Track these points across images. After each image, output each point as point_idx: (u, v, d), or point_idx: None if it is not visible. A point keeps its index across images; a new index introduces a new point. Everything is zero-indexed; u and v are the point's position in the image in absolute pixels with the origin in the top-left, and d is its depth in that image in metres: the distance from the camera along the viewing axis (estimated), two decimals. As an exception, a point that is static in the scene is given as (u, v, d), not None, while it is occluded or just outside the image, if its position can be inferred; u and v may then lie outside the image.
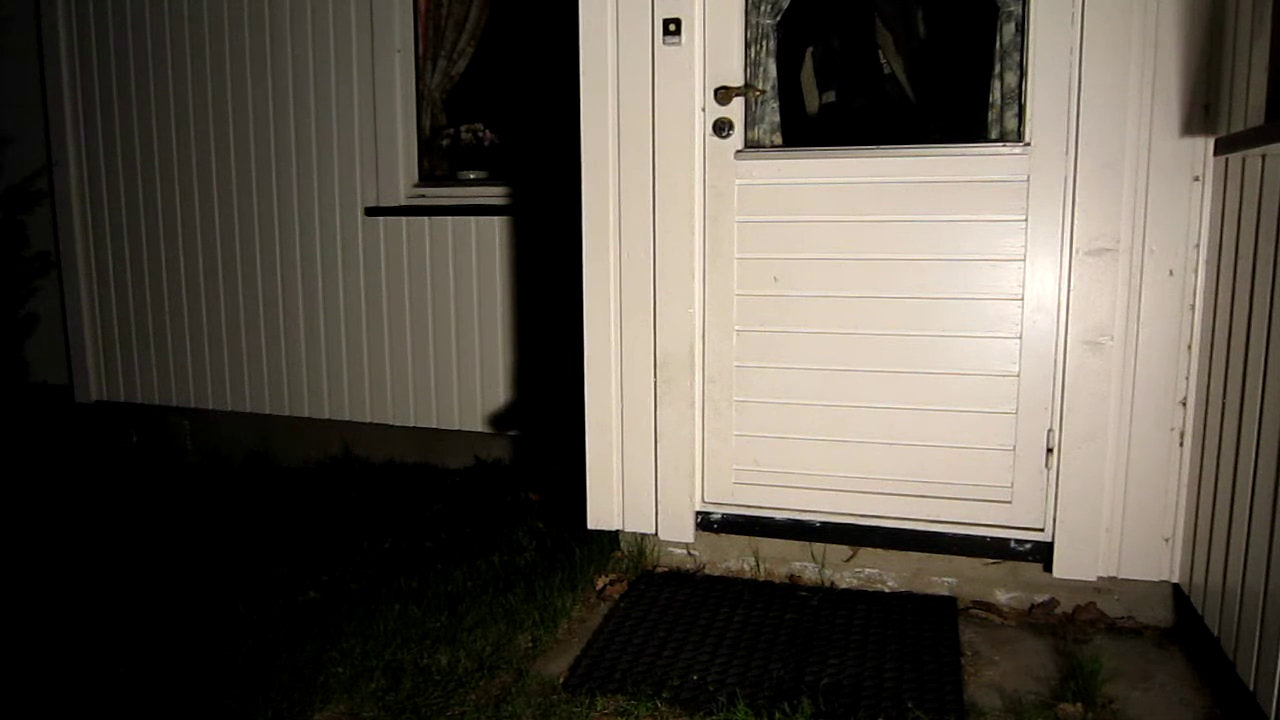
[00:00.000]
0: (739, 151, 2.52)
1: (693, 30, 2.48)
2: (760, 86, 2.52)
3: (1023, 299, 2.36)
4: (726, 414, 2.61)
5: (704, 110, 2.53)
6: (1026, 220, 2.33)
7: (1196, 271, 2.22)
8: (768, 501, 2.60)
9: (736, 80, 2.50)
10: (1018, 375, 2.38)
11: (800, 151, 2.51)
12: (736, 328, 2.58)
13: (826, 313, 2.51)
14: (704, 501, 2.66)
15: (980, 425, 2.43)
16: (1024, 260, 2.35)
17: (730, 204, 2.54)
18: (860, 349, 2.49)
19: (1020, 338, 2.37)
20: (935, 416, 2.45)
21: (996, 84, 2.37)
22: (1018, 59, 2.33)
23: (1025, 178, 2.32)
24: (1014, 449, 2.40)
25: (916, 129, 3.02)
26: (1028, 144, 2.32)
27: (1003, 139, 2.37)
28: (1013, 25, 2.33)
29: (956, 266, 2.40)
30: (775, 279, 2.53)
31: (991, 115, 2.39)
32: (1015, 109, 2.35)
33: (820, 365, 2.52)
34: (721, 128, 2.51)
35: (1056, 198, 2.30)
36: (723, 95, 2.49)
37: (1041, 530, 2.40)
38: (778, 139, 2.57)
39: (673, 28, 2.47)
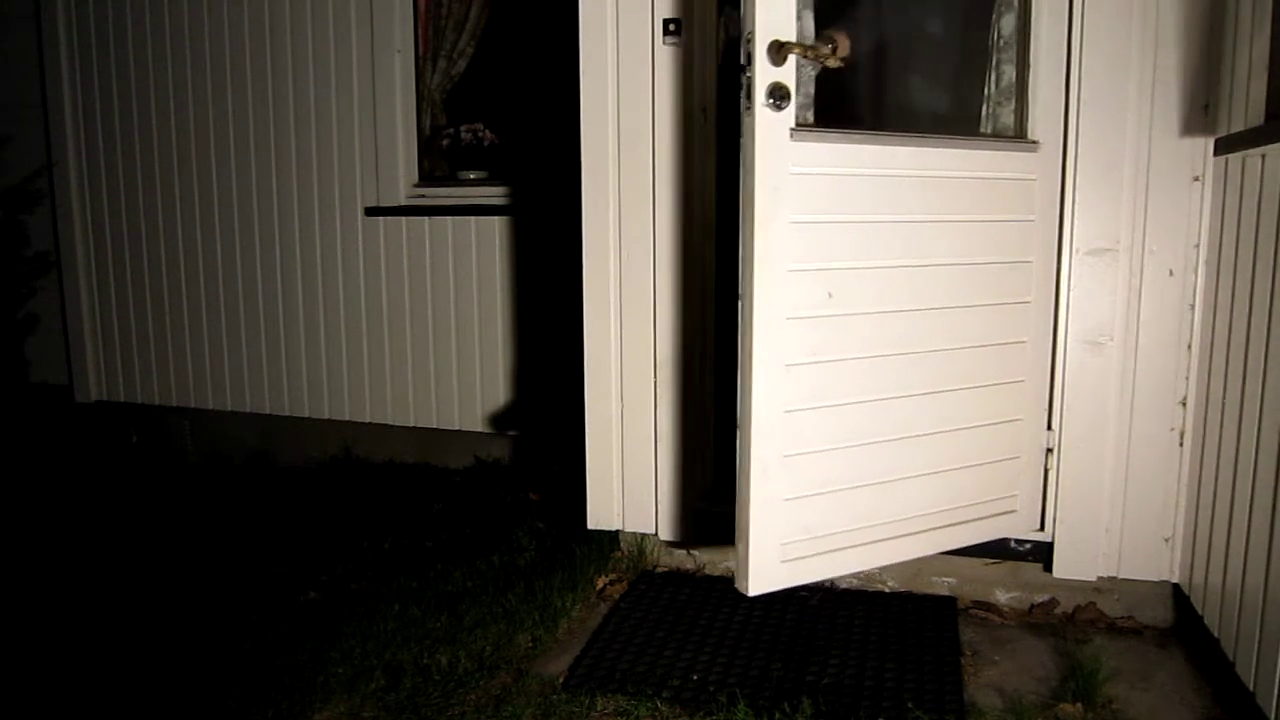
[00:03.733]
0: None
1: (692, 30, 2.48)
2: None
3: (1030, 301, 2.34)
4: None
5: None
6: (1035, 221, 2.32)
7: (1196, 271, 2.22)
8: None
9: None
10: (1024, 380, 2.36)
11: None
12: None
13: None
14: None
15: (991, 435, 2.36)
16: (1030, 261, 2.33)
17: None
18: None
19: (1025, 340, 2.36)
20: (956, 436, 2.30)
21: (992, 79, 2.36)
22: (1024, 56, 2.31)
23: (1034, 177, 2.31)
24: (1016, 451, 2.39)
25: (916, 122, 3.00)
26: (1034, 143, 2.30)
27: (1005, 136, 2.36)
28: (1013, 23, 2.32)
29: (973, 271, 2.27)
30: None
31: (985, 111, 2.38)
32: (1020, 107, 2.33)
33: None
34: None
35: (1056, 197, 2.29)
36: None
37: (1041, 530, 2.40)
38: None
39: (672, 28, 2.46)
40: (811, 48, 2.04)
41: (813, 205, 2.06)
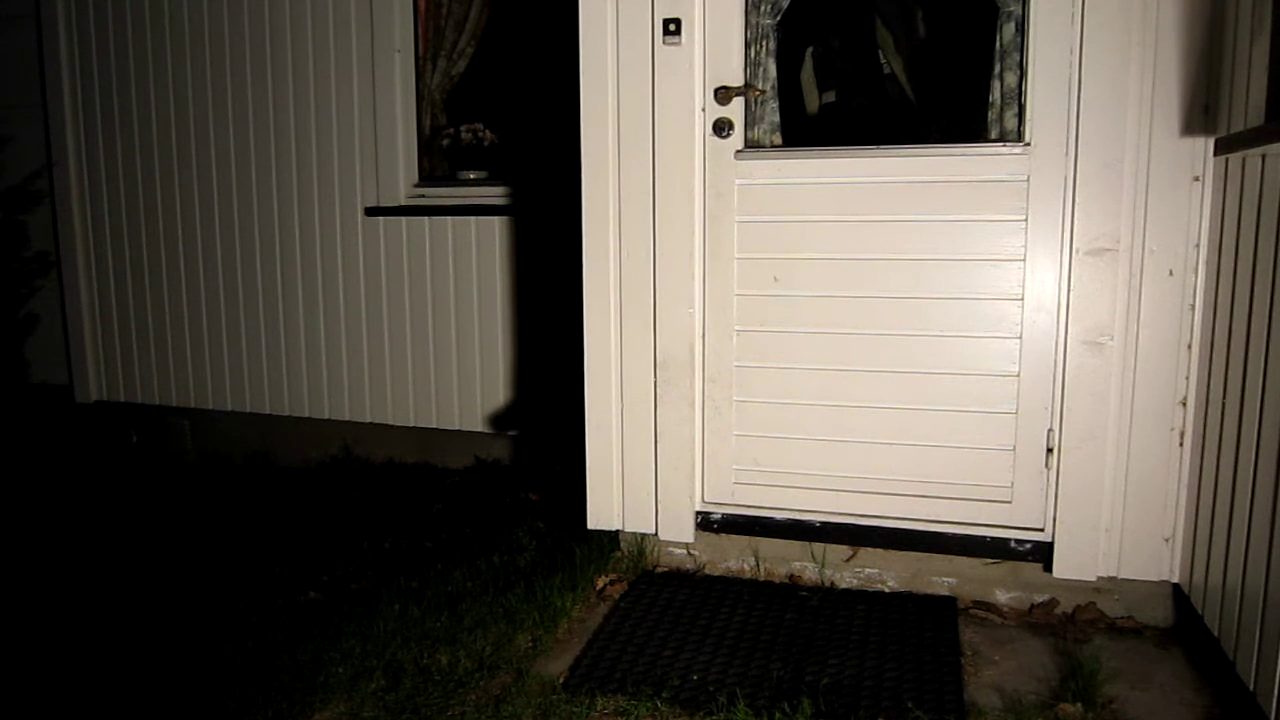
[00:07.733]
0: (739, 151, 2.52)
1: (693, 30, 2.48)
2: (760, 86, 2.52)
3: (1023, 299, 2.36)
4: (726, 414, 2.61)
5: (704, 110, 2.53)
6: (1026, 220, 2.33)
7: (1196, 271, 2.22)
8: (768, 501, 2.60)
9: (736, 80, 2.50)
10: (1017, 375, 2.38)
11: (800, 151, 2.51)
12: (736, 328, 2.58)
13: (826, 313, 2.51)
14: (704, 501, 2.66)
15: (980, 425, 2.43)
16: (1024, 260, 2.35)
17: (730, 204, 2.54)
18: (860, 349, 2.49)
19: (1020, 338, 2.37)
20: (935, 416, 2.45)
21: (996, 84, 2.37)
22: (1018, 59, 2.33)
23: (1025, 178, 2.32)
24: (1014, 449, 2.40)
25: (917, 129, 3.02)
26: (1028, 144, 2.32)
27: (1003, 139, 2.37)
28: (1013, 25, 2.33)
29: (956, 266, 2.40)
30: (775, 279, 2.53)
31: (991, 115, 2.39)
32: (1015, 109, 2.35)
33: (820, 365, 2.52)
34: (721, 128, 2.51)
35: (1056, 198, 2.30)
36: (722, 95, 2.49)
37: (1041, 530, 2.40)
38: (777, 139, 2.57)
39: (673, 28, 2.47)
40: (750, 87, 2.48)
41: (755, 208, 2.52)
